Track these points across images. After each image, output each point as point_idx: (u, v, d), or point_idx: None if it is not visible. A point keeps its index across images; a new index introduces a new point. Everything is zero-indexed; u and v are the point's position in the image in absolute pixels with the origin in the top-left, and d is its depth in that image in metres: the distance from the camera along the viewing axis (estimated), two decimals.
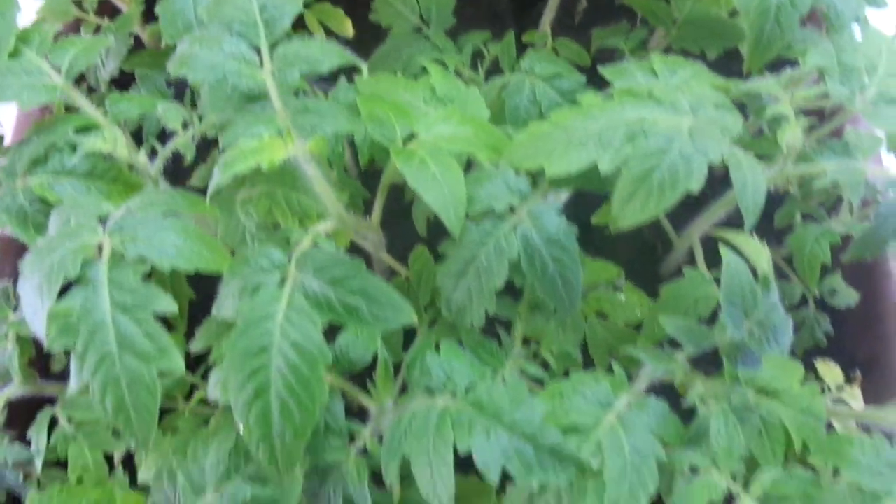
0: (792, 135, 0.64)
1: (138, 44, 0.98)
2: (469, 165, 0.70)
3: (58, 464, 0.78)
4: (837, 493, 0.57)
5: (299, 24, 0.81)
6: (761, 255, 0.65)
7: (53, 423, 0.77)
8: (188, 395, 0.81)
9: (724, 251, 0.59)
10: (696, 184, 0.59)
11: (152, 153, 0.72)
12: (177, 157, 0.80)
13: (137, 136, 0.81)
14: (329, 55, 0.66)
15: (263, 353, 0.56)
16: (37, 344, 0.82)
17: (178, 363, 0.55)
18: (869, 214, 0.78)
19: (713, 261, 0.74)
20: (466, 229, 0.64)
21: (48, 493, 0.68)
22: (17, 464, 0.76)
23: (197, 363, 0.80)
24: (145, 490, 0.68)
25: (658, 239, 1.00)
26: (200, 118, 0.74)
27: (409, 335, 0.75)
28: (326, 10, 0.96)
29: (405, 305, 0.59)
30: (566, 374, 0.71)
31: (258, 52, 0.66)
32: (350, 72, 0.78)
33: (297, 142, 0.59)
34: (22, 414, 0.80)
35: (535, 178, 0.67)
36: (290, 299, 0.57)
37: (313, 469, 0.62)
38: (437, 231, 0.69)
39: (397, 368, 0.69)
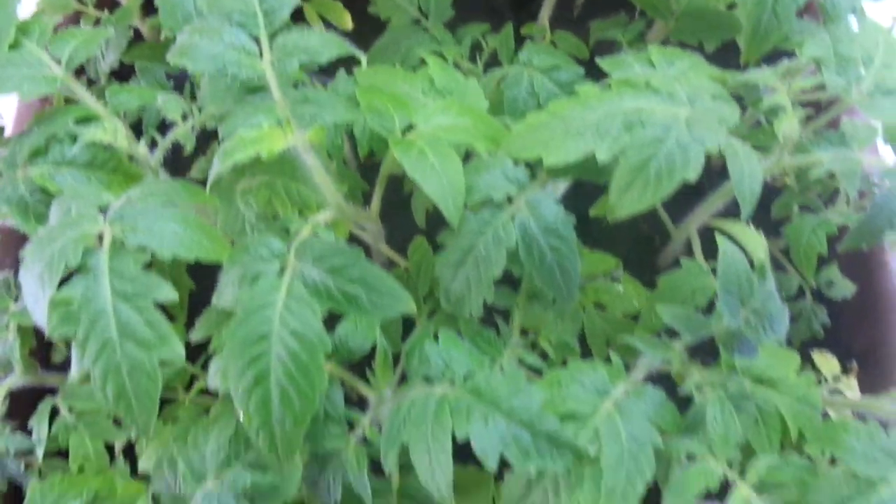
0: (788, 125, 0.64)
1: (138, 37, 0.98)
2: (468, 157, 0.70)
3: (59, 453, 0.79)
4: (832, 480, 0.57)
5: (298, 17, 0.82)
6: (757, 244, 0.66)
7: (54, 413, 0.78)
8: (188, 386, 0.81)
9: (721, 240, 0.59)
10: (692, 173, 0.59)
11: (152, 144, 0.72)
12: (177, 150, 0.80)
13: (137, 129, 0.81)
14: (328, 45, 0.66)
15: (263, 341, 0.56)
16: (38, 334, 0.82)
17: (179, 351, 0.56)
18: (866, 205, 0.79)
19: (711, 252, 0.74)
20: (465, 219, 0.64)
21: (49, 482, 0.68)
22: (19, 453, 0.76)
23: (197, 354, 0.81)
24: (146, 479, 0.69)
25: (656, 231, 1.00)
26: (200, 110, 0.75)
27: (407, 326, 0.76)
28: (325, 2, 0.96)
29: (404, 294, 0.59)
30: (564, 363, 0.71)
31: (258, 42, 0.66)
32: (349, 64, 0.79)
33: (296, 131, 0.59)
34: (23, 404, 0.80)
35: (534, 168, 0.67)
36: (290, 288, 0.58)
37: (313, 457, 0.62)
38: (436, 223, 0.70)
39: (396, 359, 0.70)
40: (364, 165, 0.87)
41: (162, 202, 0.60)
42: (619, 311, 0.78)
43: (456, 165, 0.64)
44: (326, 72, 0.77)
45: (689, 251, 0.85)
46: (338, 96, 0.69)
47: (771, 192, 0.92)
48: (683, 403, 0.64)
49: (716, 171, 1.02)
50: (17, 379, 0.76)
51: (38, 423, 0.76)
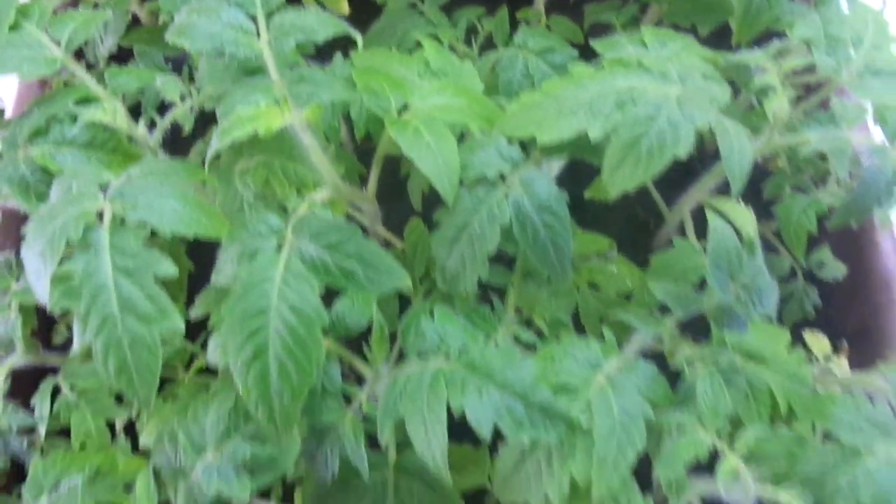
0: (778, 104, 0.65)
1: (135, 22, 0.98)
2: (463, 138, 0.71)
3: (60, 433, 0.80)
4: (820, 451, 0.58)
5: (296, 0, 0.82)
6: (747, 220, 0.67)
7: (56, 392, 0.79)
8: (187, 365, 0.82)
9: (711, 216, 0.60)
10: (683, 150, 0.60)
11: (151, 125, 0.73)
12: (175, 132, 0.81)
13: (136, 112, 0.82)
14: (325, 25, 0.67)
15: (262, 316, 0.57)
16: (39, 316, 0.84)
17: (179, 324, 0.57)
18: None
19: (703, 233, 0.75)
20: (460, 197, 0.65)
21: (52, 458, 0.69)
22: (21, 431, 0.77)
23: (196, 333, 0.82)
24: (147, 455, 0.70)
25: (650, 214, 1.01)
26: (198, 92, 0.76)
27: (404, 307, 0.77)
28: None
29: (400, 270, 0.60)
30: (558, 340, 0.72)
31: (255, 21, 0.67)
32: (346, 49, 0.79)
33: (293, 110, 0.60)
34: (25, 384, 0.81)
35: (527, 147, 0.68)
36: (288, 263, 0.59)
37: (311, 430, 0.63)
38: (432, 206, 0.71)
39: (393, 339, 0.71)
40: (360, 150, 0.88)
41: (161, 180, 0.61)
42: (612, 290, 0.79)
43: (451, 144, 0.65)
44: (323, 56, 0.78)
45: (682, 233, 0.86)
46: (335, 77, 0.70)
47: (763, 175, 0.93)
48: (675, 380, 0.65)
49: (709, 155, 1.03)
50: (18, 358, 0.77)
51: (40, 402, 0.77)
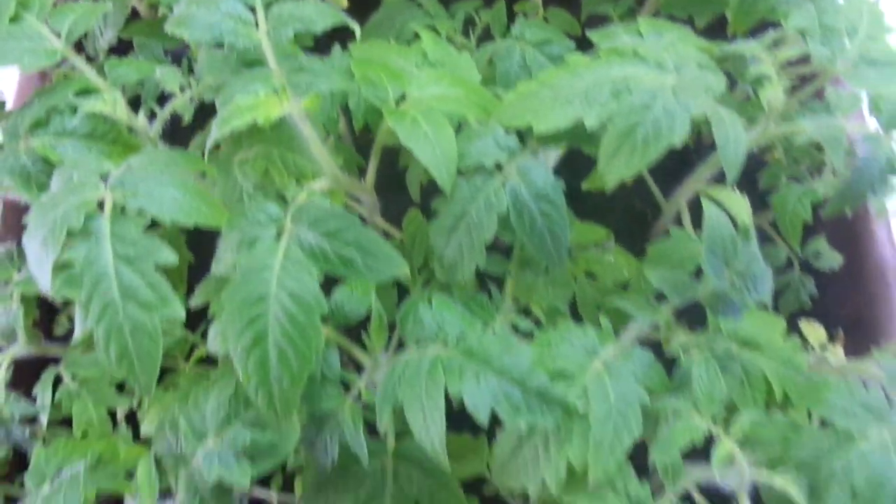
0: (773, 93, 0.66)
1: (135, 15, 0.99)
2: (460, 128, 0.72)
3: (62, 423, 0.81)
4: (814, 435, 0.59)
5: None
6: (742, 207, 0.67)
7: (57, 382, 0.79)
8: (188, 356, 0.83)
9: (706, 203, 0.61)
10: (678, 138, 0.61)
11: (151, 116, 0.74)
12: (175, 125, 0.81)
13: (135, 105, 0.83)
14: (323, 15, 0.68)
15: (261, 303, 0.58)
16: (41, 307, 0.84)
17: (179, 311, 0.57)
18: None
19: (700, 224, 0.76)
20: (457, 186, 0.66)
21: (54, 446, 0.70)
22: (23, 420, 0.78)
23: (196, 324, 0.82)
24: (148, 444, 0.70)
25: (647, 206, 1.02)
26: (198, 83, 0.76)
27: (402, 298, 0.77)
28: None
29: (398, 257, 0.61)
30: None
31: (253, 11, 0.67)
32: (344, 41, 0.80)
33: (292, 99, 0.60)
34: (27, 374, 0.82)
35: (525, 137, 0.69)
36: (287, 251, 0.59)
37: (311, 417, 0.64)
38: (430, 198, 0.71)
39: (392, 330, 0.71)
40: (359, 143, 0.88)
41: (161, 169, 0.62)
42: (609, 280, 0.79)
43: (448, 133, 0.65)
44: (322, 49, 0.79)
45: (679, 223, 0.87)
46: (333, 67, 0.70)
47: (759, 166, 0.94)
48: (671, 368, 0.66)
49: (706, 146, 1.04)
50: (20, 348, 0.78)
51: (42, 391, 0.77)
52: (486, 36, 0.90)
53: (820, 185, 0.80)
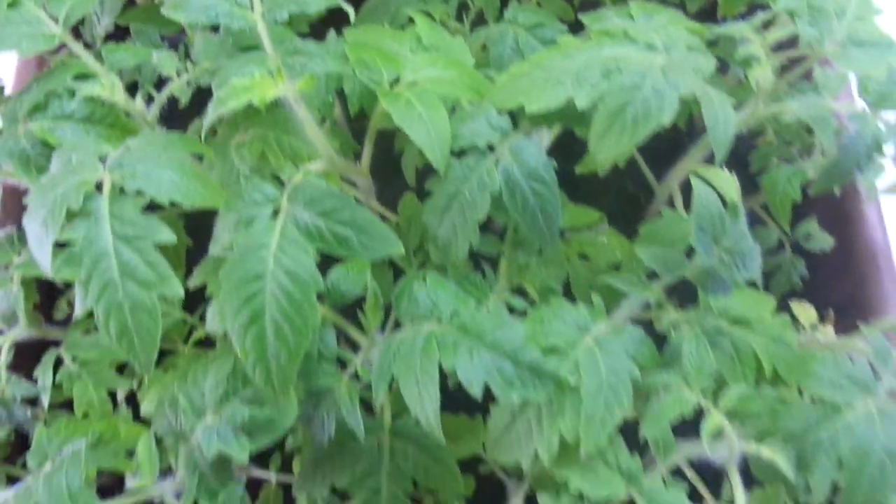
0: (762, 73, 0.67)
1: (131, 2, 1.00)
2: (454, 111, 0.73)
3: (63, 405, 0.82)
4: (801, 407, 0.60)
5: None
6: (730, 185, 0.68)
7: (58, 365, 0.80)
8: (186, 338, 0.84)
9: (695, 181, 0.62)
10: (667, 117, 0.62)
11: (149, 100, 0.75)
12: (172, 111, 0.82)
13: (132, 92, 0.83)
14: None
15: (258, 280, 0.59)
16: (40, 292, 0.85)
17: (178, 289, 0.58)
18: None
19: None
20: (450, 166, 0.67)
21: (55, 426, 0.71)
22: (25, 401, 0.79)
23: (194, 306, 0.83)
24: (148, 425, 0.72)
25: (640, 189, 1.03)
26: (194, 68, 0.77)
27: (398, 280, 0.78)
28: None
29: (393, 237, 0.62)
30: None
31: None
32: (339, 27, 0.81)
33: (287, 81, 0.61)
34: (27, 357, 0.83)
35: (517, 119, 0.70)
36: (283, 230, 0.60)
37: (308, 394, 0.65)
38: (425, 182, 0.72)
39: (387, 312, 0.72)
40: (355, 130, 0.89)
41: (159, 151, 0.63)
42: (602, 261, 0.80)
43: (442, 115, 0.66)
44: (317, 35, 0.80)
45: (672, 206, 0.88)
46: (328, 51, 0.71)
47: (750, 150, 0.95)
48: (662, 347, 0.67)
49: (698, 131, 1.05)
50: (21, 331, 0.79)
51: (43, 373, 0.79)
52: (480, 21, 0.91)
53: (810, 166, 0.81)
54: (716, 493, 0.71)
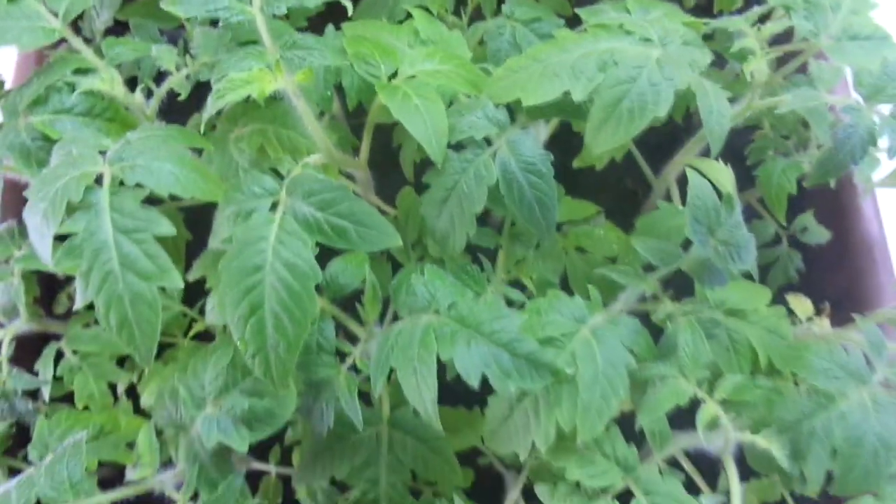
0: (757, 66, 0.67)
1: None
2: (451, 104, 0.73)
3: (64, 398, 0.82)
4: (796, 397, 0.61)
5: None
6: (725, 177, 0.69)
7: (59, 358, 0.81)
8: (186, 332, 0.85)
9: (691, 173, 0.62)
10: (663, 110, 0.62)
11: (148, 95, 0.75)
12: (171, 106, 0.83)
13: (132, 85, 0.84)
14: None
15: (258, 272, 0.59)
16: (40, 286, 0.86)
17: (178, 281, 0.59)
18: None
19: None
20: (448, 159, 0.67)
21: (56, 418, 0.71)
22: (26, 393, 0.79)
23: (193, 301, 0.84)
24: (148, 417, 0.72)
25: (638, 185, 1.04)
26: (193, 63, 0.77)
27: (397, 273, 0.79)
28: None
29: (391, 229, 0.62)
30: None
31: None
32: (338, 22, 0.81)
33: (285, 74, 0.62)
34: (28, 351, 0.83)
35: (514, 112, 0.70)
36: (282, 222, 0.60)
37: (307, 386, 0.66)
38: (423, 176, 0.73)
39: (386, 305, 0.73)
40: (353, 126, 0.90)
41: (159, 144, 0.63)
42: (599, 254, 0.81)
43: (439, 108, 0.67)
44: (315, 30, 0.80)
45: (669, 200, 0.88)
46: (327, 45, 0.71)
47: (748, 144, 0.95)
48: (659, 338, 0.68)
49: (696, 127, 1.06)
50: (22, 324, 0.79)
51: (44, 366, 0.79)
52: (478, 15, 0.91)
53: (805, 159, 0.82)
54: (712, 484, 0.72)
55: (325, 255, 0.63)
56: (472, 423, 0.80)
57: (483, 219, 0.73)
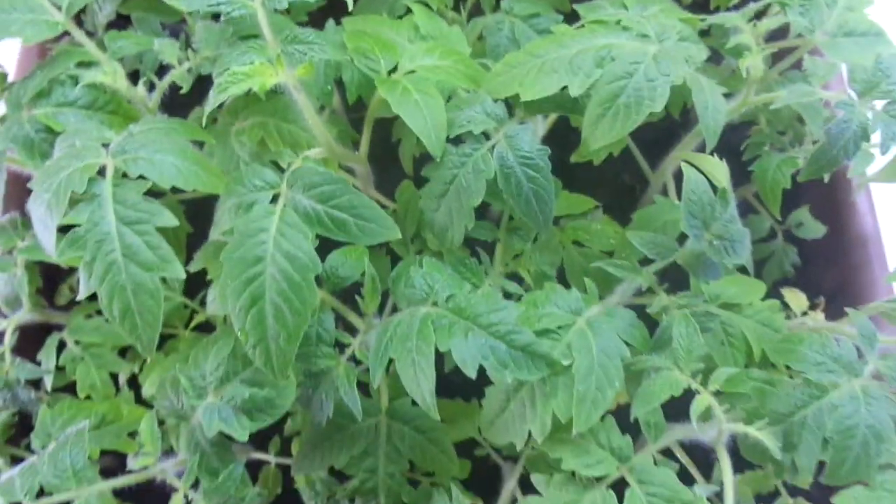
0: (753, 62, 0.68)
1: None
2: (450, 98, 0.74)
3: (66, 388, 0.83)
4: (788, 387, 0.61)
5: None
6: (720, 171, 0.70)
7: (61, 348, 0.82)
8: (187, 324, 0.86)
9: (686, 167, 0.63)
10: (659, 105, 0.63)
11: (150, 88, 0.76)
12: (173, 100, 0.83)
13: (135, 79, 0.84)
14: None
15: (258, 263, 0.60)
16: (43, 278, 0.87)
17: (180, 272, 0.60)
18: None
19: None
20: (447, 153, 0.68)
21: (59, 407, 0.72)
22: (28, 383, 0.80)
23: (194, 293, 0.85)
24: (149, 407, 0.73)
25: (636, 180, 1.04)
26: (195, 57, 0.78)
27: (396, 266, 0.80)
28: None
29: (390, 221, 0.63)
30: None
31: None
32: (338, 17, 0.82)
33: (286, 68, 0.62)
34: (31, 341, 0.84)
35: (513, 107, 0.71)
36: (283, 214, 0.61)
37: (307, 376, 0.67)
38: (422, 170, 0.73)
39: (385, 298, 0.74)
40: (353, 121, 0.90)
41: (161, 137, 0.64)
42: (596, 247, 0.82)
43: (438, 102, 0.67)
44: (315, 25, 0.81)
45: (665, 195, 0.89)
46: (327, 40, 0.72)
47: (744, 141, 0.96)
48: (654, 331, 0.68)
49: (693, 123, 1.06)
50: (25, 314, 0.80)
51: (46, 356, 0.80)
52: (477, 11, 0.92)
53: (801, 154, 0.82)
54: (706, 474, 0.73)
55: (324, 247, 0.64)
56: (469, 414, 0.81)
57: (481, 212, 0.73)
